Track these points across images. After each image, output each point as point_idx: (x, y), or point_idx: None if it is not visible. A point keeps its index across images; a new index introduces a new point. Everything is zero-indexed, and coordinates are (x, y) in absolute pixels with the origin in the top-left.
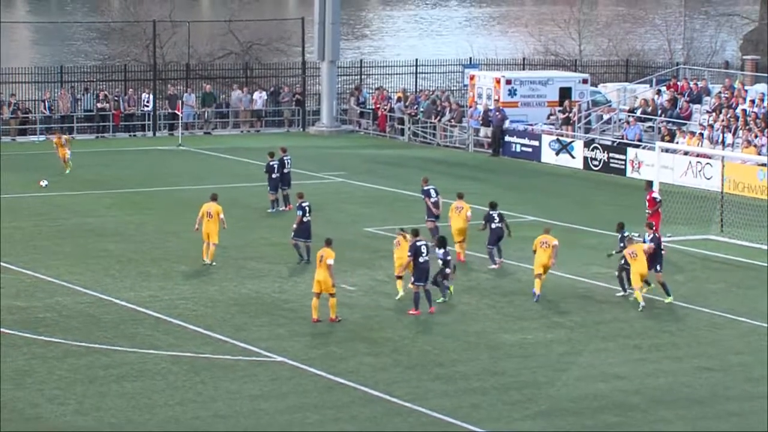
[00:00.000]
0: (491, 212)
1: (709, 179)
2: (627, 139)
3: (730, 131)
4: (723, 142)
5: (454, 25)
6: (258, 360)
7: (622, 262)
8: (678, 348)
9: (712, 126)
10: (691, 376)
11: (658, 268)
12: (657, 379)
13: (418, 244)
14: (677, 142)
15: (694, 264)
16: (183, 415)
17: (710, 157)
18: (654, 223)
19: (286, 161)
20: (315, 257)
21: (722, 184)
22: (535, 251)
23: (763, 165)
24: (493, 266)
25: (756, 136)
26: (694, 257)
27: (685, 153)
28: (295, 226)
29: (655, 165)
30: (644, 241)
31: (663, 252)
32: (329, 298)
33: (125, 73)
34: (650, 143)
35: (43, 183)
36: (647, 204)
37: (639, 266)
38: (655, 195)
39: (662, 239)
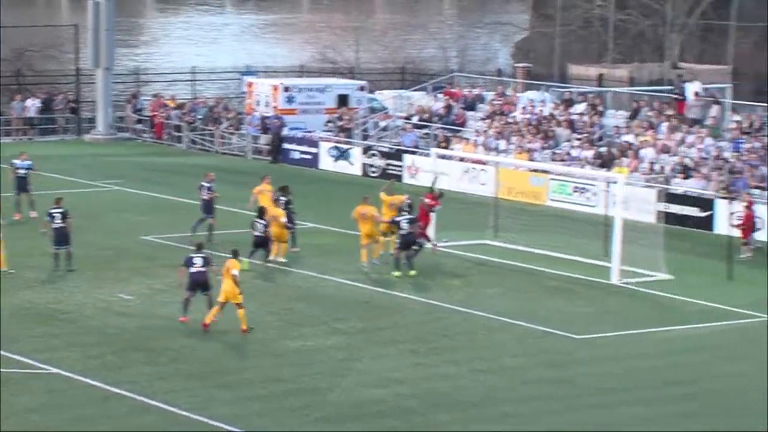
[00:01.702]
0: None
1: (483, 185)
2: (404, 145)
3: (503, 138)
4: (497, 149)
5: (231, 32)
6: (33, 372)
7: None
8: (455, 352)
9: (486, 132)
10: (468, 379)
11: None
12: (435, 382)
13: (191, 255)
14: (453, 149)
15: (470, 269)
16: None
17: (485, 163)
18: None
19: (20, 165)
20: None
21: (496, 190)
22: (356, 221)
23: (536, 171)
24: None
25: (529, 142)
26: (470, 262)
27: (461, 159)
28: (44, 231)
29: (432, 171)
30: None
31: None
32: (237, 308)
33: None
34: (426, 150)
35: None
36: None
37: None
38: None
39: (438, 245)
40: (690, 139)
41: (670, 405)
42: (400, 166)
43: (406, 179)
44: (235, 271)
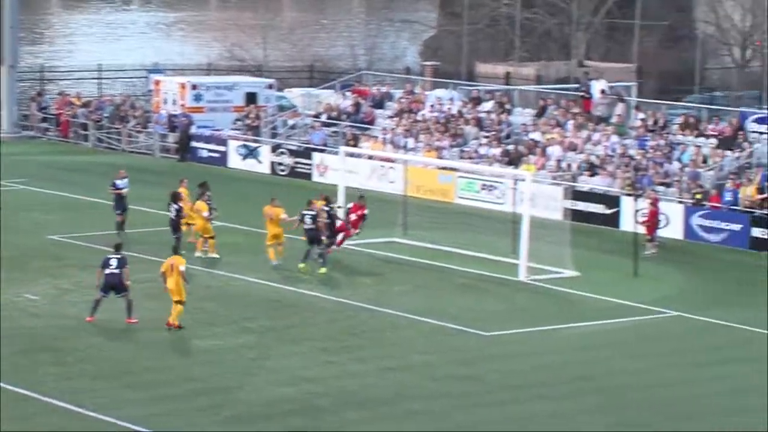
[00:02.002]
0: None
1: (392, 183)
2: (313, 143)
3: (412, 136)
4: (405, 147)
5: (137, 30)
6: None
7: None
8: (364, 350)
9: (394, 130)
10: (377, 377)
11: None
12: (344, 380)
13: (108, 257)
14: (361, 147)
15: (379, 267)
16: None
17: (393, 161)
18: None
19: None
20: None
21: (405, 188)
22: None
23: (444, 168)
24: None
25: (437, 140)
26: (379, 260)
27: (370, 157)
28: None
29: (341, 169)
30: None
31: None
32: (175, 304)
33: None
34: (335, 148)
35: None
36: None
37: None
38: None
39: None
40: (596, 136)
41: (578, 400)
42: (309, 165)
43: (316, 177)
44: (183, 267)
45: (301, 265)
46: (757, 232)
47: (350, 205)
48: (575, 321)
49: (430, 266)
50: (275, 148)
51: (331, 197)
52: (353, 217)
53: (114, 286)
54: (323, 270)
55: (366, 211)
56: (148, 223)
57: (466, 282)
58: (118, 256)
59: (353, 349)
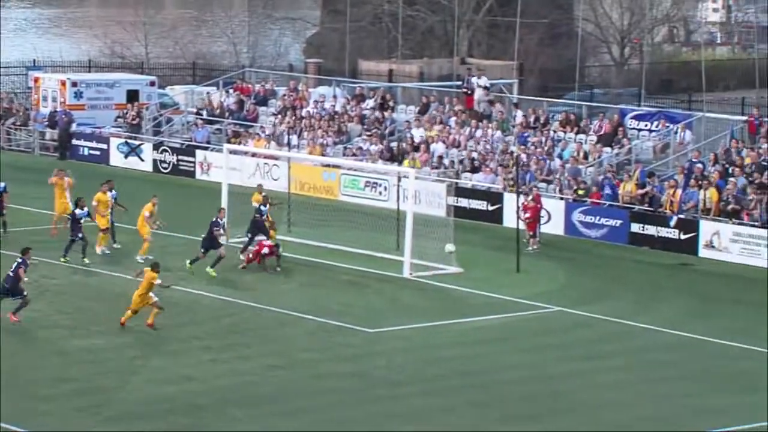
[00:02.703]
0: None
1: (276, 180)
2: (196, 141)
3: (295, 133)
4: (289, 144)
5: (14, 26)
6: None
7: None
8: (247, 347)
9: (278, 128)
10: (261, 375)
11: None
12: (227, 379)
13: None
14: (245, 144)
15: (256, 265)
16: None
17: (277, 159)
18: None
19: None
20: None
21: (289, 185)
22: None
23: (328, 166)
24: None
25: (321, 138)
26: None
27: (253, 155)
28: None
29: (224, 167)
30: None
31: None
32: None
33: None
34: (218, 145)
35: None
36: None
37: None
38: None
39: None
40: (478, 133)
41: (462, 395)
42: (192, 162)
43: (199, 175)
44: (158, 281)
45: (188, 263)
46: (636, 227)
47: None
48: (459, 317)
49: (314, 263)
50: (158, 146)
51: (269, 198)
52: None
53: (7, 289)
54: (212, 273)
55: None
56: (28, 221)
57: (351, 279)
58: (18, 261)
59: (237, 347)
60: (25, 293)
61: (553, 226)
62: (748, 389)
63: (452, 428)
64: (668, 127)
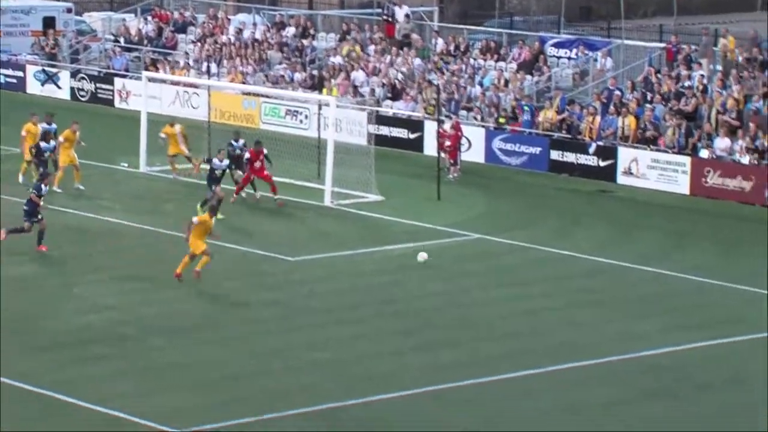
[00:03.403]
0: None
1: (196, 108)
2: (114, 69)
3: (215, 61)
4: (209, 72)
5: None
6: None
7: None
8: (170, 276)
9: (198, 55)
10: (183, 304)
11: None
12: (149, 308)
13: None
14: (164, 72)
15: (182, 193)
16: None
17: (197, 87)
18: None
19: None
20: None
21: (209, 113)
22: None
23: (248, 94)
24: None
25: (241, 66)
26: (181, 185)
27: (173, 83)
28: None
29: (143, 95)
30: None
31: None
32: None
33: None
34: (137, 73)
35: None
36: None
37: None
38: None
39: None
40: (399, 61)
41: (383, 322)
42: (111, 90)
43: (118, 103)
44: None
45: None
46: (555, 155)
47: (247, 155)
48: (380, 245)
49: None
50: (75, 74)
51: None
52: (258, 164)
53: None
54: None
55: (265, 152)
56: None
57: (272, 207)
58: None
59: (158, 276)
60: (38, 217)
61: (474, 154)
62: (664, 313)
63: (373, 355)
64: (587, 54)
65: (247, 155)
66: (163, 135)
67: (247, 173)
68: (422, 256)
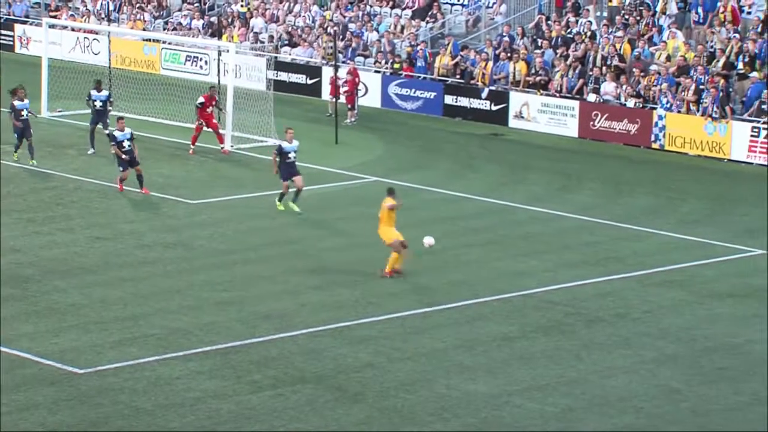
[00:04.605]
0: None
1: (97, 54)
2: (14, 15)
3: (116, 8)
4: (109, 18)
5: None
6: None
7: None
8: (71, 219)
9: (99, 2)
10: (84, 246)
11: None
12: (51, 250)
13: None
14: (65, 18)
15: (84, 137)
16: None
17: (98, 33)
18: None
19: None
20: None
21: (110, 60)
22: None
23: (149, 40)
24: None
25: (141, 12)
26: (83, 130)
27: (73, 29)
28: None
29: (44, 41)
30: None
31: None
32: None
33: None
34: (37, 19)
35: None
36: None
37: None
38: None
39: (50, 114)
40: (297, 8)
41: (283, 262)
42: (11, 36)
43: (18, 49)
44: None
45: None
46: (449, 99)
47: (201, 99)
48: (278, 188)
49: (136, 137)
50: None
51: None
52: (210, 110)
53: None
54: None
55: (217, 100)
56: None
57: (172, 151)
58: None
59: (60, 219)
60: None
61: (370, 99)
62: (554, 251)
63: (274, 295)
64: (478, 1)
65: (201, 100)
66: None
67: (198, 121)
68: (428, 242)
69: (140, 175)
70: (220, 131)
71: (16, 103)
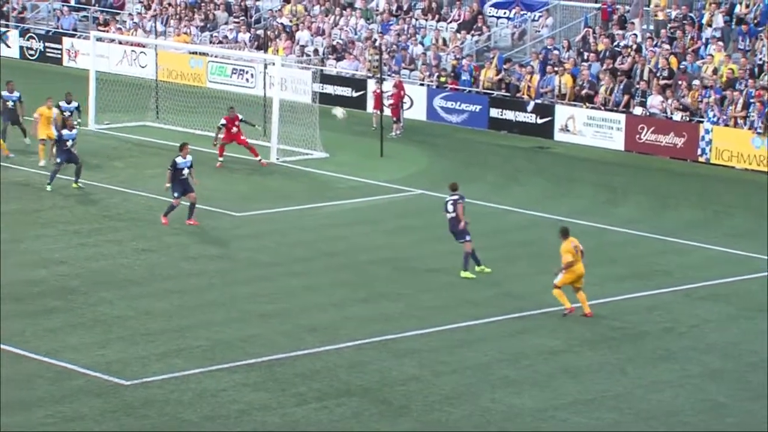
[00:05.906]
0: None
1: (143, 68)
2: (62, 28)
3: (162, 21)
4: (155, 31)
5: None
6: None
7: None
8: (117, 232)
9: (145, 15)
10: (130, 258)
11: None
12: (97, 262)
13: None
14: (112, 32)
15: (131, 150)
16: None
17: (144, 46)
18: None
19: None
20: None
21: (156, 73)
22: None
23: (195, 53)
24: None
25: (187, 26)
26: (131, 143)
27: (120, 42)
28: None
29: (91, 54)
30: None
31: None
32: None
33: None
34: (85, 32)
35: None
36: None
37: None
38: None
39: (97, 126)
40: (342, 21)
41: (328, 275)
42: (59, 49)
43: (67, 62)
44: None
45: None
46: (494, 112)
47: (222, 121)
48: (324, 200)
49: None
50: (24, 33)
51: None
52: (234, 130)
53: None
54: None
55: (241, 118)
56: None
57: (219, 164)
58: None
59: (106, 231)
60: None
61: (416, 112)
62: (600, 265)
63: (319, 307)
64: (524, 14)
65: (222, 121)
66: (36, 115)
67: (223, 140)
68: (339, 112)
69: (193, 204)
70: (249, 143)
71: (4, 93)
